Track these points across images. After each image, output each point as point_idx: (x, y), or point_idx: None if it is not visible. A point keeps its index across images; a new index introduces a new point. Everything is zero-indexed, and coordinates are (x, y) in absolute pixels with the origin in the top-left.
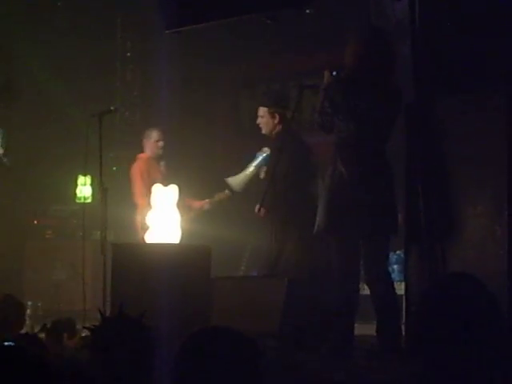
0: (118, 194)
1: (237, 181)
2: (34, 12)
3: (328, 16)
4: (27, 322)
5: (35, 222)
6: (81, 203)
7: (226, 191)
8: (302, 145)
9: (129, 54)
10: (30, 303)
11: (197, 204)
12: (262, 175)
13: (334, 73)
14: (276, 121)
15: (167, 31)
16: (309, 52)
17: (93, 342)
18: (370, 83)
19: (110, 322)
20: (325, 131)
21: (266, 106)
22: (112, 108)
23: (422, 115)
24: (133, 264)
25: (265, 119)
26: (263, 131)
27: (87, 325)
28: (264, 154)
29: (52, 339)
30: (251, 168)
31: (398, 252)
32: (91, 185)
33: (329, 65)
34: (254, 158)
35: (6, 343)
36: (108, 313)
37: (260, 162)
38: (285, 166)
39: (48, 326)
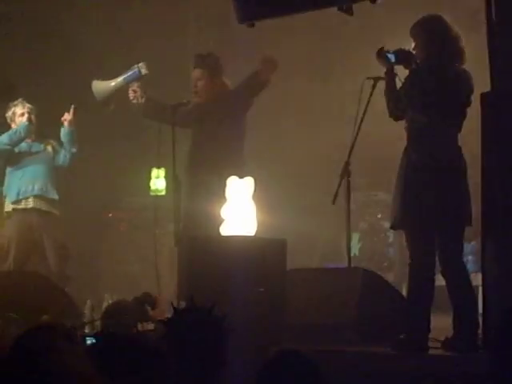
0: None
1: (101, 86)
2: (109, 4)
3: (398, 6)
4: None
5: (110, 215)
6: (154, 196)
7: None
8: None
9: (202, 47)
10: (106, 295)
11: None
12: (132, 95)
13: (391, 56)
14: (217, 84)
15: (241, 23)
16: (379, 44)
17: (166, 335)
18: (442, 73)
19: (182, 314)
20: (396, 118)
21: (204, 68)
22: (185, 101)
23: (499, 104)
24: (207, 256)
25: (203, 82)
26: (199, 97)
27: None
28: (136, 69)
29: (136, 310)
30: (119, 79)
31: (472, 242)
32: (165, 177)
33: (378, 51)
34: (127, 70)
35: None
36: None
37: (130, 76)
38: None
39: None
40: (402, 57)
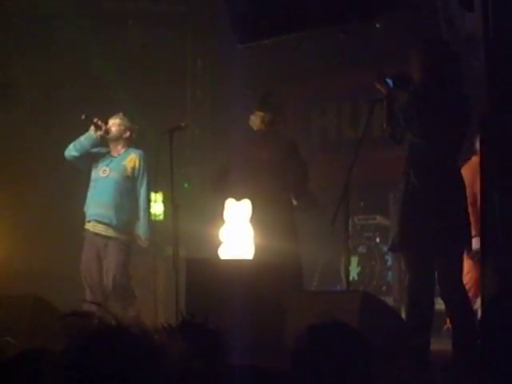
0: (189, 211)
1: None
2: (107, 30)
3: (397, 31)
4: None
5: None
6: (152, 220)
7: None
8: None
9: (199, 71)
10: None
11: None
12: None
13: (389, 80)
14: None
15: (240, 46)
16: (378, 67)
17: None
18: (441, 96)
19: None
20: (395, 142)
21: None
22: (182, 124)
23: (497, 126)
24: (206, 279)
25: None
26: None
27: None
28: None
29: None
30: None
31: None
32: (163, 202)
33: (377, 75)
34: None
35: None
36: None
37: None
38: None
39: None
40: (400, 82)
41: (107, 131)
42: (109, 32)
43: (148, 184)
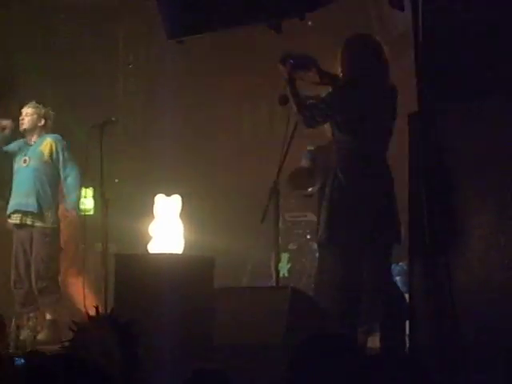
0: (120, 206)
1: None
2: (35, 21)
3: (329, 30)
4: (29, 333)
5: None
6: (82, 215)
7: None
8: None
9: (131, 66)
10: (31, 315)
11: None
12: None
13: (291, 61)
14: None
15: (170, 40)
16: None
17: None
18: (365, 91)
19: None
20: (307, 125)
21: None
22: (113, 119)
23: (425, 126)
24: (135, 274)
25: None
26: None
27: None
28: None
29: None
30: None
31: (400, 263)
32: (93, 197)
33: (282, 57)
34: None
35: (17, 360)
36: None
37: None
38: None
39: None
40: (301, 62)
41: (22, 124)
42: (41, 25)
43: (74, 165)
